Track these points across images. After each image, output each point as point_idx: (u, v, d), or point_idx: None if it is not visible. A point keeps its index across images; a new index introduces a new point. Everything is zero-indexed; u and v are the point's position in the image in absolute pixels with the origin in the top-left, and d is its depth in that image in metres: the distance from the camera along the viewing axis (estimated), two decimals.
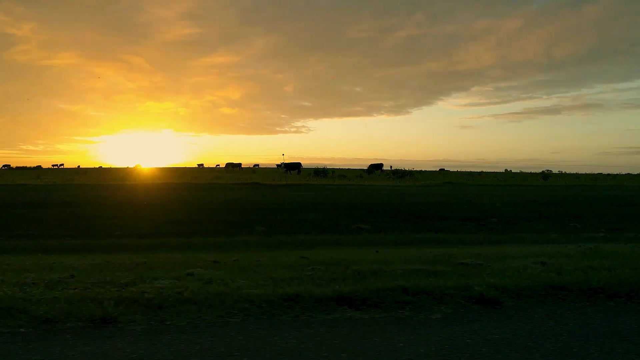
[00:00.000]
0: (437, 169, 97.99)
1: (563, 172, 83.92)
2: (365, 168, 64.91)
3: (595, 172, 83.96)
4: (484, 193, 27.82)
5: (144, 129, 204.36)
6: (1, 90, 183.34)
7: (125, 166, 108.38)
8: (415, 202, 20.99)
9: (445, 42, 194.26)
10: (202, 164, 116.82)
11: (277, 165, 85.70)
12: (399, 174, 51.52)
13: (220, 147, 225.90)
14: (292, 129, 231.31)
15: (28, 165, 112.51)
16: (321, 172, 51.07)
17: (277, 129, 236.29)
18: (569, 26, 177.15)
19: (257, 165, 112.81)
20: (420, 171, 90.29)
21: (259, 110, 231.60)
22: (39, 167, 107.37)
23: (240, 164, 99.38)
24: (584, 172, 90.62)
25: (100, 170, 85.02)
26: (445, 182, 42.76)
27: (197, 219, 14.73)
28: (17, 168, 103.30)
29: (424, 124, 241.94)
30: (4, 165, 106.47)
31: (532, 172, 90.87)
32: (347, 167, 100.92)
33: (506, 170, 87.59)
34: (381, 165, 65.12)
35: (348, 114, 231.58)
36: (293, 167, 60.43)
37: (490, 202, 21.32)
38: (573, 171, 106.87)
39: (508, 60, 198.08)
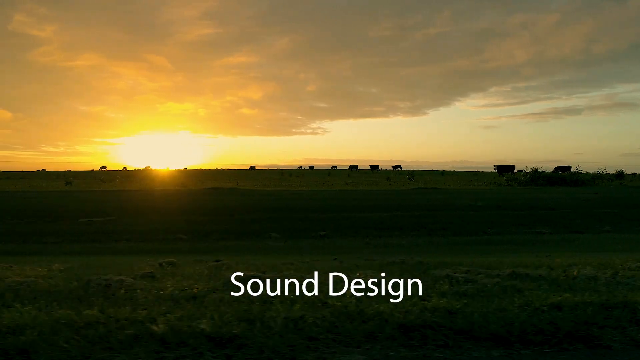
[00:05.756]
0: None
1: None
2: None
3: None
4: None
5: (163, 130, 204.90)
6: (23, 92, 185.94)
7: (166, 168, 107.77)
8: None
9: (474, 39, 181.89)
10: (335, 166, 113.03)
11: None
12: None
13: (236, 149, 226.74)
14: (309, 130, 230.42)
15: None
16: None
17: (294, 130, 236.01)
18: (612, 20, 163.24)
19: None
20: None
21: (276, 111, 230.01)
22: (124, 168, 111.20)
23: (401, 167, 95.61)
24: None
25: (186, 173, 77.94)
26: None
27: None
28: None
29: (441, 125, 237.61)
30: (102, 167, 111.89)
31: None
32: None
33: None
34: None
35: (364, 115, 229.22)
36: (507, 169, 59.86)
37: None
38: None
39: (543, 57, 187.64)
